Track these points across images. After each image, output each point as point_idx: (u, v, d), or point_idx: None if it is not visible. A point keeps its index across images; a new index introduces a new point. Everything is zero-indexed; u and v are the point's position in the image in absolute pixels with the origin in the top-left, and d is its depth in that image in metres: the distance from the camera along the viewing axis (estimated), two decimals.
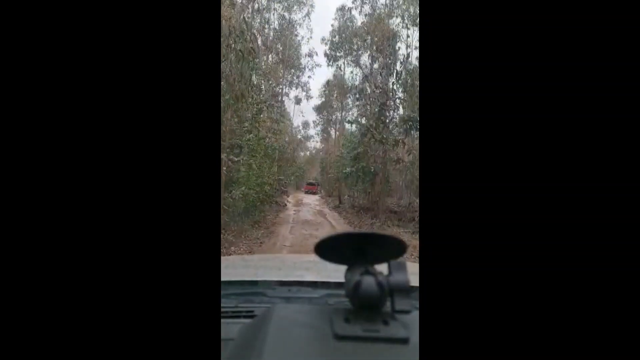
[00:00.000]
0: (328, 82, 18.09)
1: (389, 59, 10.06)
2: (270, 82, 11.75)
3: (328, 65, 16.37)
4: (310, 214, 13.33)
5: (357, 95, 10.99)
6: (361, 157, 11.37)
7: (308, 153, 35.07)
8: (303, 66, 19.86)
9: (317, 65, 19.96)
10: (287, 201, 16.98)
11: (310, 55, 19.66)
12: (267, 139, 10.77)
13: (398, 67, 10.03)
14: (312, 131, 29.88)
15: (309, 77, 20.45)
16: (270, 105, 10.62)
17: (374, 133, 10.04)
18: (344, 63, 15.87)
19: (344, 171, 12.87)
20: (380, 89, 10.14)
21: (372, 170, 10.84)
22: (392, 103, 10.07)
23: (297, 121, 32.48)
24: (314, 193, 25.00)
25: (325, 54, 15.72)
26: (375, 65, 11.67)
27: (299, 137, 30.12)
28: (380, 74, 10.48)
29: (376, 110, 10.07)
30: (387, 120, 10.06)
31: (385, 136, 9.99)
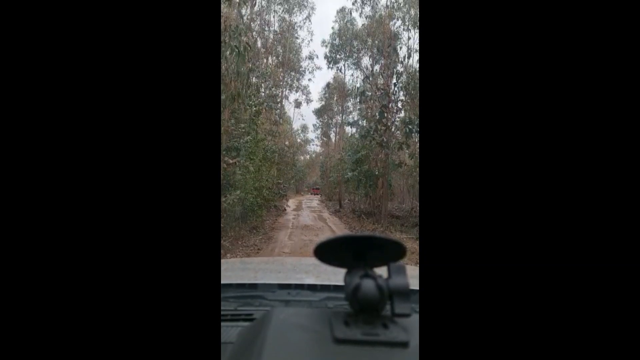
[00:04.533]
0: (328, 84, 17.81)
1: (390, 59, 9.72)
2: (268, 83, 11.41)
3: (328, 67, 16.18)
4: (310, 218, 13.04)
5: (358, 98, 10.60)
6: (363, 160, 11.05)
7: (308, 157, 35.08)
8: (303, 69, 19.69)
9: (318, 68, 19.70)
10: (287, 205, 16.73)
11: (310, 57, 19.51)
12: (266, 142, 10.49)
13: (399, 68, 9.70)
14: (312, 135, 29.72)
15: (309, 80, 20.20)
16: (269, 106, 10.28)
17: (374, 136, 9.69)
18: (344, 65, 15.65)
19: (346, 175, 12.56)
20: (381, 90, 9.81)
21: (375, 173, 10.49)
22: (393, 105, 9.73)
23: (296, 124, 32.37)
24: (320, 195, 27.54)
25: (326, 56, 15.53)
26: (377, 67, 11.37)
27: (299, 140, 29.99)
28: (382, 75, 10.14)
29: (377, 112, 9.73)
30: (389, 123, 9.73)
31: (386, 139, 9.67)
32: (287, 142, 18.53)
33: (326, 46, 17.07)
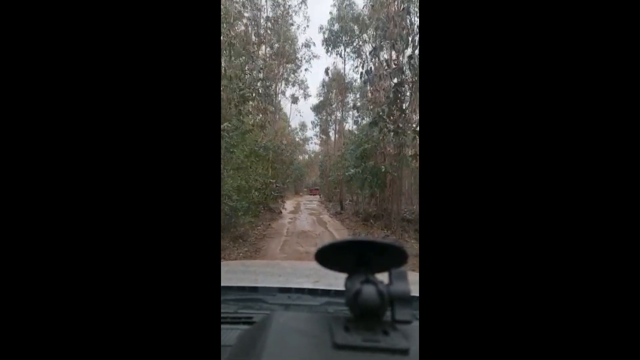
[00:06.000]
0: (327, 70, 16.15)
1: (404, 27, 7.90)
2: (256, 63, 9.70)
3: (327, 52, 14.70)
4: (308, 222, 11.57)
5: (365, 77, 8.74)
6: (369, 154, 9.38)
7: (307, 157, 34.44)
8: (299, 59, 18.19)
9: (315, 56, 18.18)
10: (283, 208, 15.33)
11: (307, 45, 17.98)
12: (258, 136, 8.91)
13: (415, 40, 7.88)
14: (310, 132, 28.60)
15: (306, 69, 18.73)
16: (255, 90, 8.55)
17: (386, 122, 7.85)
18: (344, 50, 14.11)
19: (347, 173, 10.94)
20: (392, 66, 8.01)
21: (382, 170, 8.81)
22: (409, 84, 7.90)
23: (294, 123, 31.26)
24: (320, 195, 26.41)
25: (324, 40, 14.06)
26: (382, 54, 9.60)
27: (297, 139, 28.90)
28: (394, 47, 8.33)
29: (390, 92, 7.90)
30: (404, 106, 7.94)
31: (401, 125, 7.88)
32: (284, 141, 17.09)
33: (324, 33, 15.69)
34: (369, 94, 9.64)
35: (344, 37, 14.31)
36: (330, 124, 25.73)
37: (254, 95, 8.43)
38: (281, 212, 14.19)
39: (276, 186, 11.85)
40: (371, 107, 8.98)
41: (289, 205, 18.46)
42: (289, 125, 25.43)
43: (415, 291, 0.40)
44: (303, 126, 29.49)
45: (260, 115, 10.02)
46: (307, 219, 12.54)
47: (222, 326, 0.50)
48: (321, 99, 23.73)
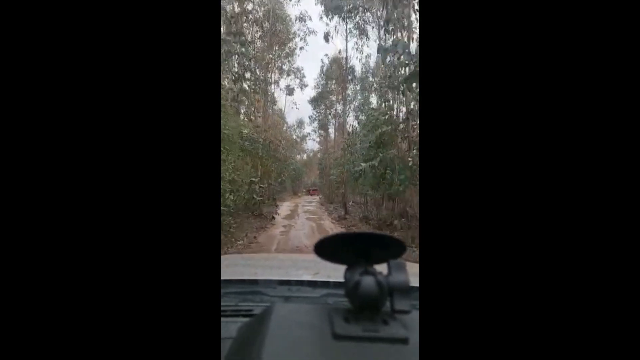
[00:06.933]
0: (326, 36, 13.50)
1: None
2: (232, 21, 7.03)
3: (327, 17, 12.22)
4: (305, 231, 9.12)
5: (382, 13, 5.97)
6: (387, 141, 6.82)
7: (305, 156, 32.37)
8: (293, 39, 15.74)
9: (312, 32, 15.76)
10: (276, 213, 12.92)
11: (302, 19, 15.51)
12: (251, 129, 6.42)
13: None
14: (308, 128, 26.29)
15: (301, 48, 16.34)
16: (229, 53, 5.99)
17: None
18: (345, 18, 11.63)
19: (355, 169, 8.42)
20: None
21: (409, 164, 6.19)
22: None
23: (291, 118, 28.97)
24: (319, 196, 25.37)
25: (322, 1, 11.64)
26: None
27: (294, 136, 26.64)
28: None
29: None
30: None
31: None
32: (282, 140, 14.71)
33: (321, 4, 13.30)
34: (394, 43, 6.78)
35: (345, 8, 11.93)
36: (329, 118, 23.54)
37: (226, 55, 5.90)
38: (274, 217, 11.86)
39: (259, 187, 9.35)
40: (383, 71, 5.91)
41: (285, 208, 16.16)
42: (286, 122, 23.13)
43: (413, 282, 0.41)
44: (300, 123, 27.28)
45: (237, 84, 7.41)
46: (305, 226, 10.10)
47: (223, 319, 0.52)
48: (319, 90, 21.53)
